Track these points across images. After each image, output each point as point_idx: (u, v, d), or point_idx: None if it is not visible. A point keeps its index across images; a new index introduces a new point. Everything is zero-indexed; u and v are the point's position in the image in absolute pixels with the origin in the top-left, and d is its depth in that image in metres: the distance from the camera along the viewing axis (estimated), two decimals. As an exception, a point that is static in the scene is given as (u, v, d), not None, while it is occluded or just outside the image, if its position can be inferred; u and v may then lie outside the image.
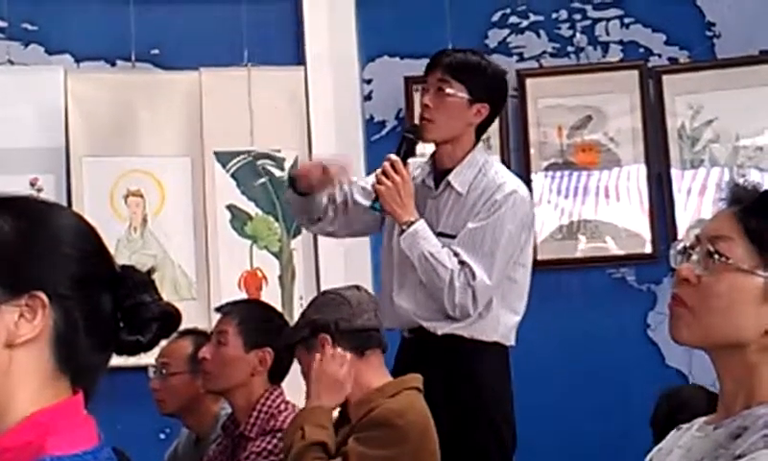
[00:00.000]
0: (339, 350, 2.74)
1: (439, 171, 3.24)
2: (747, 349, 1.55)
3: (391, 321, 3.12)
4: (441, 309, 3.09)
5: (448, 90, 3.16)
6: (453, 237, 3.12)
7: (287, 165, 4.26)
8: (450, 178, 3.18)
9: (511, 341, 3.19)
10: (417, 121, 3.39)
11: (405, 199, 3.11)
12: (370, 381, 2.76)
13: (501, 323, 3.14)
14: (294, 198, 3.31)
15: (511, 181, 3.18)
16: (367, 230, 3.46)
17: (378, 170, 3.18)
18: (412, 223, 3.09)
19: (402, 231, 3.10)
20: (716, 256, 1.55)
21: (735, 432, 1.53)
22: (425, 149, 3.46)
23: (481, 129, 3.25)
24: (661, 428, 2.95)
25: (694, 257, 1.59)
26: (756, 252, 1.54)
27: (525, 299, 3.22)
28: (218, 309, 3.23)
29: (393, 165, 3.12)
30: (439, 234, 3.12)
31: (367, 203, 3.24)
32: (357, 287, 2.90)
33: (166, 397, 3.42)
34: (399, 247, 3.16)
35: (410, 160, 3.20)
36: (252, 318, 3.14)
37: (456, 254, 3.07)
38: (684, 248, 1.61)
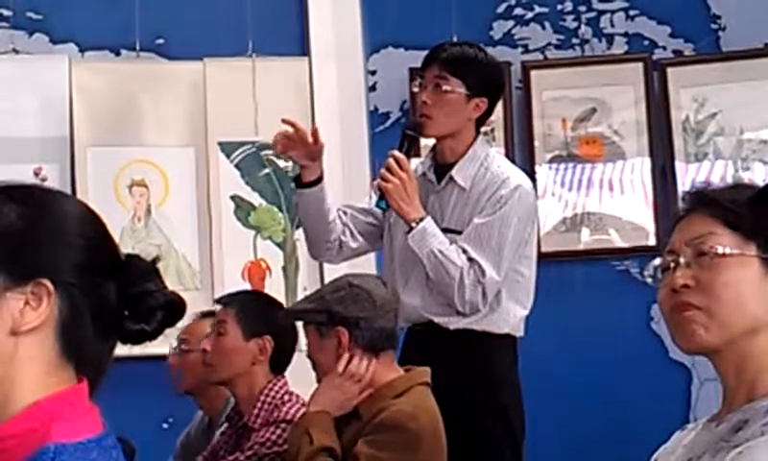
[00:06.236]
0: (363, 363, 2.74)
1: (440, 165, 3.22)
2: (759, 336, 1.57)
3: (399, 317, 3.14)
4: (450, 304, 3.07)
5: (446, 87, 3.12)
6: (459, 233, 3.10)
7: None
8: (453, 173, 3.16)
9: (520, 332, 3.18)
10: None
11: (411, 196, 3.07)
12: (380, 377, 2.76)
13: (512, 315, 3.13)
14: (305, 209, 3.24)
15: (514, 175, 3.16)
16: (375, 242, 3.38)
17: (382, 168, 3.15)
18: (420, 220, 3.06)
19: (410, 229, 3.07)
20: (711, 251, 1.57)
21: (737, 426, 1.54)
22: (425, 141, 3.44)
23: (480, 121, 3.22)
24: None
25: (682, 264, 1.59)
26: (741, 237, 1.58)
27: (532, 291, 3.21)
28: (217, 301, 3.25)
29: (397, 161, 3.09)
30: (444, 230, 3.10)
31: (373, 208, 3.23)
32: (383, 283, 2.88)
33: (183, 372, 3.44)
34: (401, 244, 3.15)
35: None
36: (251, 307, 3.16)
37: (464, 251, 3.05)
38: (667, 263, 1.62)
